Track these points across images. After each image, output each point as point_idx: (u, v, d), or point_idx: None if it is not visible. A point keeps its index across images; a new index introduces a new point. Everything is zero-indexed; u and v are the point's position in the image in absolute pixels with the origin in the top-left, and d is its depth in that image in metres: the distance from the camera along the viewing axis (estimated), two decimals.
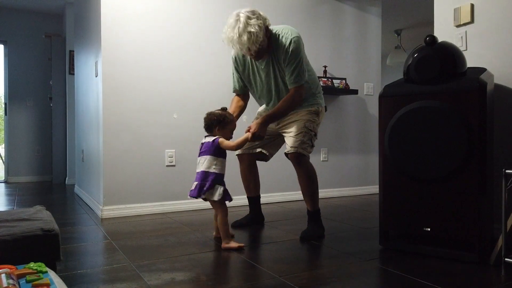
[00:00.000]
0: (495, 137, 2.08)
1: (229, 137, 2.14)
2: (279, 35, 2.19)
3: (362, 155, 4.08)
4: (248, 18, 2.05)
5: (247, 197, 2.66)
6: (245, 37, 2.03)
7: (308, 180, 2.29)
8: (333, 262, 1.84)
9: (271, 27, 2.20)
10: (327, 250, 2.05)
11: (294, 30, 2.22)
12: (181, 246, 2.09)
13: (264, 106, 2.50)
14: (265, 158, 2.54)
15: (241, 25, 2.03)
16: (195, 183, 2.07)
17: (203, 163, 2.06)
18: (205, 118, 2.14)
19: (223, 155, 2.09)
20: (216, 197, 2.02)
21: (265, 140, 2.42)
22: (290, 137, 2.28)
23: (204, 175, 2.05)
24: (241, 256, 1.94)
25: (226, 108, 2.19)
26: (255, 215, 2.65)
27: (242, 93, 2.46)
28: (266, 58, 2.23)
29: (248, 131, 2.14)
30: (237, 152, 2.52)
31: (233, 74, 2.44)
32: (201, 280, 1.61)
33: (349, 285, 1.54)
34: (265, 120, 2.17)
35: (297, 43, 2.16)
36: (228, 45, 2.12)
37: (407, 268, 1.72)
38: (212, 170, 2.04)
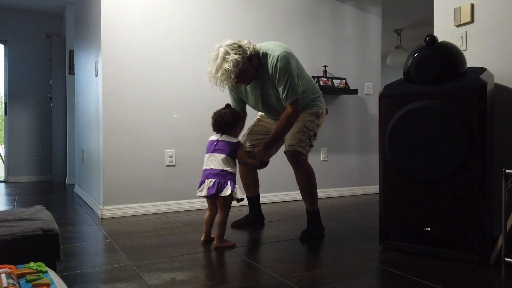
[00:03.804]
0: (495, 137, 2.07)
1: (238, 132, 2.21)
2: (266, 54, 2.18)
3: (362, 155, 4.08)
4: (227, 53, 2.05)
5: (247, 197, 2.66)
6: (219, 73, 2.06)
7: (306, 180, 2.29)
8: (333, 262, 1.84)
9: (259, 46, 2.21)
10: (327, 250, 2.05)
11: (282, 46, 2.20)
12: (181, 246, 2.09)
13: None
14: None
15: (218, 61, 2.06)
16: (211, 180, 2.04)
17: (220, 161, 2.05)
18: (217, 120, 2.13)
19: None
20: (240, 195, 2.05)
21: (264, 138, 2.42)
22: (289, 135, 2.30)
23: (223, 173, 2.04)
24: (241, 256, 1.94)
25: (230, 105, 2.23)
26: (255, 215, 2.65)
27: (241, 109, 2.47)
28: (257, 80, 2.24)
29: (251, 155, 2.20)
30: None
31: (230, 95, 2.45)
32: (201, 280, 1.61)
33: (349, 285, 1.54)
34: (267, 146, 2.22)
35: (285, 59, 2.13)
36: (209, 79, 2.14)
37: (407, 268, 1.72)
38: (230, 169, 2.06)
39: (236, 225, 2.56)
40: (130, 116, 3.00)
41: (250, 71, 2.17)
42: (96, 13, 3.12)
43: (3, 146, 6.58)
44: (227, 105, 2.21)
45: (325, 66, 3.79)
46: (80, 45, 4.19)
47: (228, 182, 2.02)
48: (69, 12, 5.30)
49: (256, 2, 3.51)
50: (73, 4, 4.80)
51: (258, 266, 1.78)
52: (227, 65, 2.04)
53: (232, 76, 2.06)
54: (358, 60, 4.07)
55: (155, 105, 3.09)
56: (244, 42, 2.14)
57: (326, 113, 2.49)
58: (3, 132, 10.27)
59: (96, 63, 3.19)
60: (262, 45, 2.23)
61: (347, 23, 4.01)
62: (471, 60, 2.20)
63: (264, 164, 2.20)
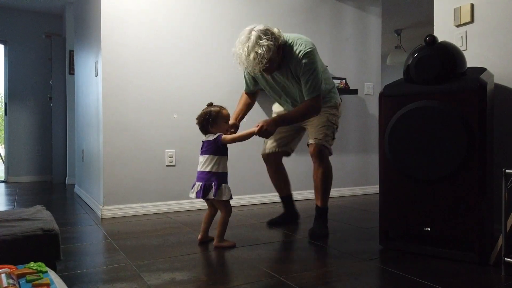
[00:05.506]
0: (495, 137, 2.07)
1: (226, 128, 2.12)
2: (293, 46, 2.16)
3: (362, 155, 4.08)
4: (259, 38, 2.01)
5: (280, 197, 2.66)
6: (251, 57, 2.01)
7: (324, 176, 2.30)
8: (333, 262, 1.84)
9: (286, 36, 2.18)
10: (327, 250, 2.05)
11: (308, 41, 2.18)
12: (181, 246, 2.09)
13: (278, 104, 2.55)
14: (288, 154, 2.56)
15: (250, 44, 2.01)
16: (199, 183, 2.05)
17: (205, 163, 2.05)
18: (197, 123, 2.13)
19: (225, 153, 2.09)
20: (225, 196, 2.02)
21: (288, 136, 2.46)
22: (313, 129, 2.30)
23: (208, 175, 2.03)
24: (241, 256, 1.94)
25: (211, 104, 2.15)
26: (290, 214, 2.64)
27: (253, 92, 2.47)
28: (281, 69, 2.21)
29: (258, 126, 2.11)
30: (262, 152, 2.53)
31: (244, 76, 2.42)
32: (201, 280, 1.61)
33: (349, 285, 1.54)
34: (278, 120, 2.17)
35: (310, 55, 2.12)
36: (236, 61, 2.11)
37: (407, 268, 1.72)
38: (214, 169, 2.03)
39: (272, 223, 2.56)
40: (130, 116, 3.00)
41: (276, 61, 2.13)
42: (96, 13, 3.12)
43: (3, 146, 6.58)
44: (209, 104, 2.14)
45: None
46: (80, 45, 4.19)
47: (212, 185, 2.01)
48: (69, 12, 5.30)
49: (256, 2, 3.50)
50: (73, 4, 4.81)
51: (258, 266, 1.78)
52: (259, 50, 2.00)
53: (264, 61, 2.02)
54: (358, 60, 4.07)
55: (155, 105, 3.09)
56: (275, 30, 2.11)
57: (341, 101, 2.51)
58: (3, 132, 10.27)
59: (96, 63, 3.19)
60: (288, 36, 2.19)
61: (347, 23, 4.00)
62: (471, 60, 2.20)
63: (266, 133, 2.10)
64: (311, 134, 2.31)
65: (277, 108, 2.57)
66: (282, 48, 2.14)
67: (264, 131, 2.09)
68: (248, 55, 2.01)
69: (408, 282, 1.56)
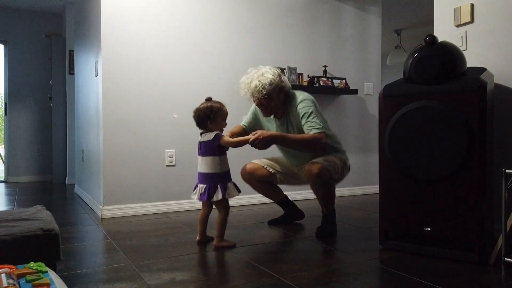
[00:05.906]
0: (495, 137, 2.07)
1: (223, 125, 2.10)
2: (294, 97, 2.28)
3: (362, 155, 4.08)
4: (266, 72, 2.21)
5: (276, 203, 2.70)
6: (253, 84, 2.18)
7: (325, 195, 2.29)
8: (333, 262, 1.84)
9: (292, 91, 2.32)
10: (327, 250, 2.05)
11: (310, 96, 2.29)
12: (181, 246, 2.09)
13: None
14: (273, 179, 2.53)
15: (256, 75, 2.20)
16: (203, 185, 2.03)
17: (207, 164, 2.04)
18: (194, 116, 2.10)
19: (225, 152, 2.08)
20: (234, 193, 2.04)
21: (283, 165, 2.50)
22: (315, 159, 2.25)
23: (212, 177, 2.02)
24: (241, 256, 1.94)
25: (210, 98, 2.10)
26: (292, 214, 2.66)
27: (247, 130, 2.49)
28: (282, 118, 2.33)
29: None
30: (242, 169, 2.55)
31: (249, 115, 2.48)
32: (201, 280, 1.61)
33: (349, 285, 1.54)
34: (276, 137, 2.13)
35: (307, 101, 2.23)
36: (239, 87, 2.25)
37: (407, 268, 1.72)
38: (218, 170, 2.03)
39: (273, 223, 2.61)
40: (130, 116, 3.00)
41: (275, 102, 2.24)
42: (96, 12, 3.12)
43: (3, 146, 6.58)
44: (207, 99, 2.11)
45: (325, 66, 3.78)
46: (80, 45, 4.19)
47: (218, 186, 2.01)
48: (69, 12, 5.30)
49: (256, 1, 3.50)
50: (73, 4, 4.81)
51: (258, 266, 1.78)
52: (262, 79, 2.16)
53: (264, 92, 2.16)
54: (358, 60, 4.07)
55: (155, 105, 3.09)
56: (284, 77, 2.29)
57: (349, 170, 2.46)
58: (3, 132, 10.27)
59: (96, 63, 3.19)
60: (295, 91, 2.34)
61: (347, 23, 4.00)
62: (471, 60, 2.20)
63: (260, 143, 2.02)
64: (314, 160, 2.24)
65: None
66: (285, 95, 2.28)
67: (259, 141, 2.03)
68: (251, 82, 2.18)
69: (408, 282, 1.56)
